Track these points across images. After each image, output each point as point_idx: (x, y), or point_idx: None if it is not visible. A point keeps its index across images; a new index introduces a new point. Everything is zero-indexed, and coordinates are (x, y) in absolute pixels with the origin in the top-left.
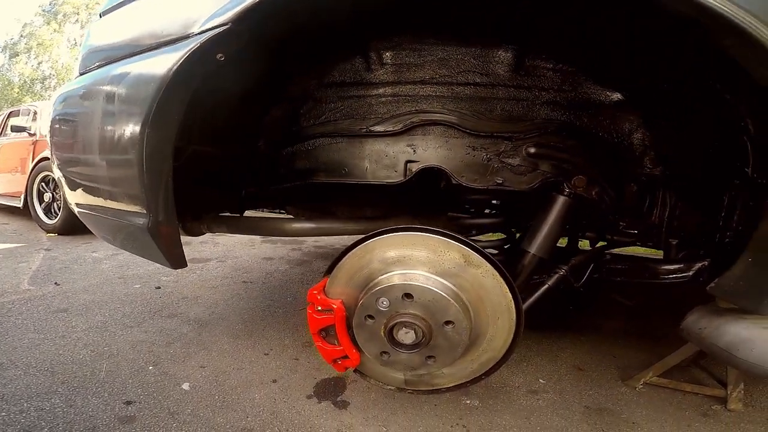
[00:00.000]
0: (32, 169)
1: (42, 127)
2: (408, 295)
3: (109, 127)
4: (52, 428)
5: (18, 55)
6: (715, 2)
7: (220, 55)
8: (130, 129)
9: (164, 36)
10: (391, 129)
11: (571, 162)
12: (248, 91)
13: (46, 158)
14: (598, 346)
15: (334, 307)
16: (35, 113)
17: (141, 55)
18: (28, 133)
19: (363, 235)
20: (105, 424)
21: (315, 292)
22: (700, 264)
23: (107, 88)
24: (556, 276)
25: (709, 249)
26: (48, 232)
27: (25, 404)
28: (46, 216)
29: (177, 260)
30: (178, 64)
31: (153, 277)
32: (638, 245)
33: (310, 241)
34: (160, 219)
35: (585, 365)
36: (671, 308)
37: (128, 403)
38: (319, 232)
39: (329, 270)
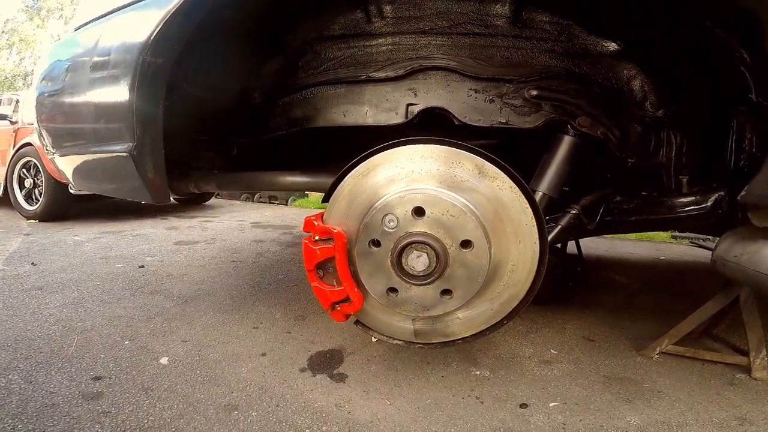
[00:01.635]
0: (13, 155)
1: (24, 116)
2: (419, 211)
3: (103, 62)
4: (2, 406)
5: None
6: None
7: None
8: (128, 54)
9: None
10: (392, 74)
11: (573, 104)
12: (245, 41)
13: (28, 144)
14: (604, 319)
15: (335, 232)
16: (17, 102)
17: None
18: (10, 121)
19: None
20: (66, 401)
21: (313, 218)
22: (716, 194)
23: (106, 25)
24: (569, 215)
25: (723, 180)
26: (29, 219)
27: None
28: (27, 202)
29: (160, 192)
30: None
31: (137, 258)
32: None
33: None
34: (144, 144)
35: (595, 336)
36: (672, 287)
37: (96, 378)
38: (314, 186)
39: (327, 195)
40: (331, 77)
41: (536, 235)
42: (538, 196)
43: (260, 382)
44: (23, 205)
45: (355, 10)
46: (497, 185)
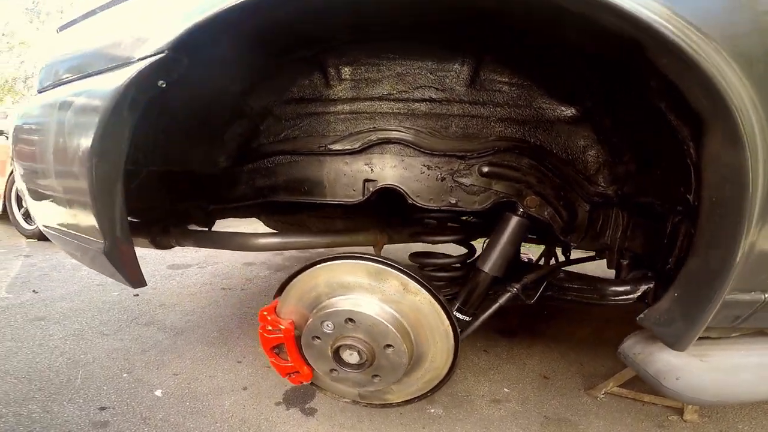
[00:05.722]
0: (11, 173)
1: None
2: (351, 320)
3: (61, 156)
4: None
5: (0, 54)
6: (648, 16)
7: (161, 82)
8: (79, 157)
9: (109, 59)
10: (348, 147)
11: (524, 181)
12: (205, 109)
13: None
14: (567, 354)
15: (283, 327)
16: (7, 116)
17: (87, 79)
18: (5, 137)
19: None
20: (79, 428)
21: (265, 313)
22: (645, 286)
23: (57, 114)
24: (508, 294)
25: (656, 272)
26: (28, 238)
27: (3, 410)
28: (26, 221)
29: (136, 280)
30: (119, 91)
31: None
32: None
33: None
34: (114, 243)
35: (551, 373)
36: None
37: (102, 408)
38: (288, 246)
39: (279, 291)
40: (291, 147)
41: (451, 337)
42: (481, 275)
43: (241, 415)
44: (22, 224)
45: (314, 71)
46: (419, 299)
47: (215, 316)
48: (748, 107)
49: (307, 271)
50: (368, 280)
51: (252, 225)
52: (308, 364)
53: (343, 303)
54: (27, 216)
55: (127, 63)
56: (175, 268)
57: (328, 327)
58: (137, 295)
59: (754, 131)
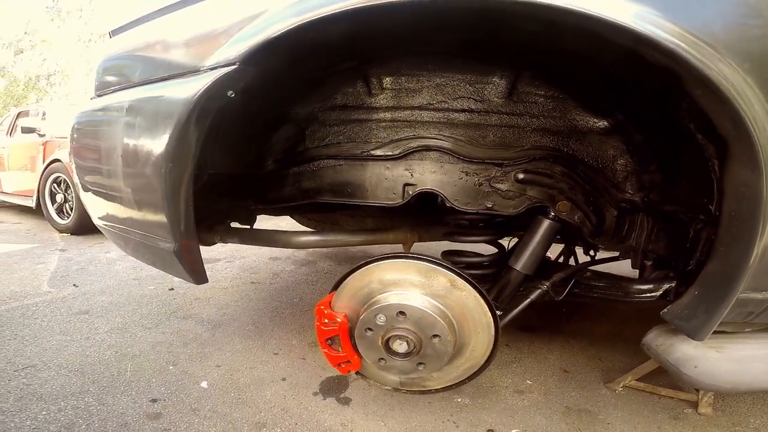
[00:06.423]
0: (44, 170)
1: (51, 127)
2: (402, 313)
3: (131, 157)
4: (89, 425)
5: (23, 52)
6: (688, 53)
7: (230, 92)
8: (152, 161)
9: (175, 67)
10: (390, 153)
11: (556, 187)
12: (256, 115)
13: (58, 160)
14: (587, 349)
15: (339, 320)
16: (44, 114)
17: (154, 85)
18: (38, 134)
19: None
20: (135, 420)
21: (322, 307)
22: (667, 285)
23: (125, 117)
24: (538, 291)
25: (677, 272)
26: (61, 232)
27: (62, 403)
28: (59, 216)
29: (200, 277)
30: (193, 100)
31: (166, 278)
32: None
33: None
34: (184, 243)
35: (571, 367)
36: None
37: (154, 400)
38: (325, 244)
39: (335, 287)
40: (335, 151)
41: (492, 328)
42: (514, 273)
43: (282, 404)
44: (56, 219)
45: (357, 81)
46: (464, 295)
47: (248, 309)
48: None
49: (361, 270)
50: (418, 278)
51: (272, 220)
52: (358, 354)
53: (395, 298)
54: (60, 211)
55: (195, 72)
56: (205, 263)
57: (380, 319)
58: (172, 289)
59: None
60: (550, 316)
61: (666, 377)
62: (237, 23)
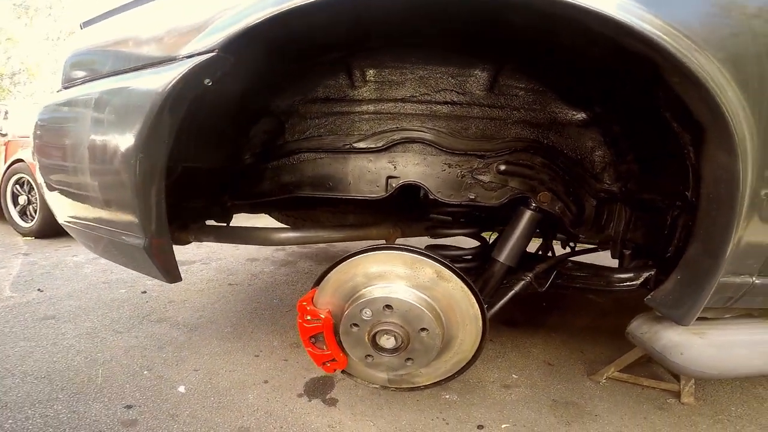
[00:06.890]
0: (5, 171)
1: (13, 127)
2: (388, 306)
3: (99, 150)
4: None
5: None
6: (668, 43)
7: (207, 80)
8: (122, 154)
9: (148, 57)
10: (373, 146)
11: (537, 178)
12: (234, 107)
13: (20, 160)
14: (568, 342)
15: (322, 317)
16: (6, 113)
17: (124, 76)
18: (0, 134)
19: (346, 243)
20: (109, 428)
21: (304, 303)
22: (647, 273)
23: (93, 111)
24: (522, 283)
25: (656, 260)
26: (24, 236)
27: (29, 411)
28: (22, 219)
29: (173, 276)
30: (167, 89)
31: (138, 281)
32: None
33: None
34: (155, 239)
35: (555, 360)
36: (641, 308)
37: (128, 407)
38: (305, 240)
39: (317, 282)
40: (316, 144)
41: (480, 320)
42: (497, 265)
43: (266, 407)
44: (18, 222)
45: (340, 73)
46: (451, 286)
47: (226, 311)
48: (741, 119)
49: (345, 262)
50: (404, 269)
51: (250, 221)
52: (344, 351)
53: (381, 291)
54: (23, 213)
55: (170, 60)
56: (179, 265)
57: (366, 314)
58: (144, 292)
59: (745, 139)
60: (531, 310)
61: (647, 368)
62: (217, 12)
